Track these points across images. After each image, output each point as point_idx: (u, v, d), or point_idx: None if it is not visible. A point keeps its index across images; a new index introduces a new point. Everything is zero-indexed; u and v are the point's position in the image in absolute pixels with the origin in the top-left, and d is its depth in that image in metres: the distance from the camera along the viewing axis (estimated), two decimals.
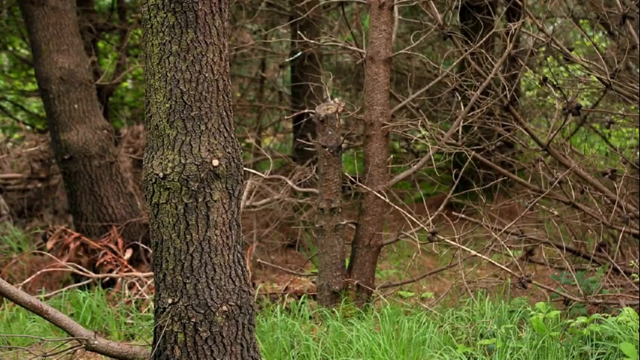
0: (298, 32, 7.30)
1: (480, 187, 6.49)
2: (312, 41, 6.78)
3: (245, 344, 3.84)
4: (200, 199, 3.66)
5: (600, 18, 7.46)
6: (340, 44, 6.70)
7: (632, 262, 5.68)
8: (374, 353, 4.59)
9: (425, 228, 5.67)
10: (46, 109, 7.31)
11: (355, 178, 5.97)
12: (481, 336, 4.94)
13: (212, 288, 3.73)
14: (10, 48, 12.10)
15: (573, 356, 4.52)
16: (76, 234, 6.88)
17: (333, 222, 5.72)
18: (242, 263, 3.85)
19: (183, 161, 3.62)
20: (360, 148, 6.96)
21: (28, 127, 12.01)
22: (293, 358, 4.77)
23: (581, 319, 4.68)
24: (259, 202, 7.59)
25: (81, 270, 6.44)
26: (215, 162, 3.65)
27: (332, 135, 5.65)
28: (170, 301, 3.74)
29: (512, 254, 5.81)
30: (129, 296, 6.16)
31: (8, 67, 12.83)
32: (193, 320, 3.73)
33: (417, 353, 4.66)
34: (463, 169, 6.18)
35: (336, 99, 5.94)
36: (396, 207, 5.82)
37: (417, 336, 4.81)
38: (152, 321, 4.27)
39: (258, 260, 7.28)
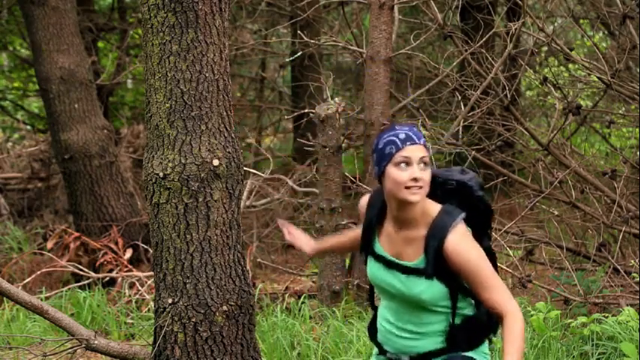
0: (298, 32, 7.30)
1: None
2: (312, 41, 6.79)
3: (245, 344, 3.84)
4: (200, 199, 3.66)
5: (600, 18, 7.46)
6: (340, 44, 6.71)
7: (632, 262, 5.68)
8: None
9: None
10: (47, 108, 7.30)
11: (355, 178, 5.97)
12: None
13: (212, 288, 3.73)
14: (11, 48, 12.10)
15: (573, 356, 4.52)
16: (76, 234, 6.88)
17: (333, 222, 5.72)
18: (242, 263, 3.85)
19: (183, 161, 3.62)
20: (360, 148, 6.96)
21: (28, 127, 12.01)
22: (293, 358, 4.77)
23: (582, 319, 4.68)
24: (259, 202, 7.59)
25: (81, 270, 6.43)
26: (215, 162, 3.65)
27: (332, 135, 5.65)
28: (170, 300, 3.74)
29: (512, 254, 5.81)
30: (129, 296, 6.16)
31: (8, 67, 12.83)
32: (193, 320, 3.73)
33: None
34: None
35: (336, 99, 5.94)
36: None
37: None
38: (152, 321, 4.27)
39: (259, 260, 7.28)
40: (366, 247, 2.80)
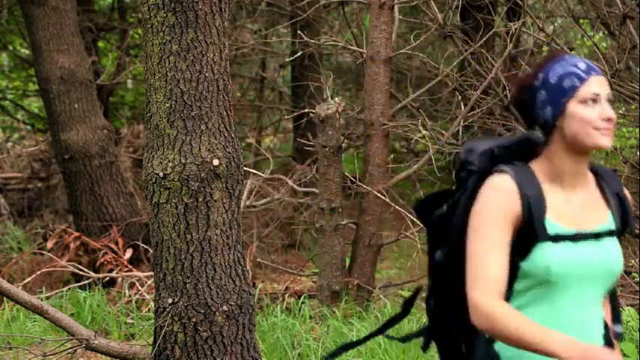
0: (298, 32, 7.31)
1: None
2: (312, 41, 6.79)
3: (245, 344, 3.84)
4: (200, 199, 3.66)
5: (601, 18, 7.46)
6: (340, 44, 6.71)
7: (632, 261, 5.68)
8: (374, 353, 4.59)
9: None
10: (47, 108, 7.30)
11: (355, 178, 5.97)
12: None
13: (212, 288, 3.73)
14: (11, 48, 12.10)
15: None
16: (76, 234, 6.88)
17: (334, 222, 5.72)
18: (242, 263, 3.85)
19: (183, 161, 3.63)
20: (360, 148, 6.96)
21: (28, 127, 12.02)
22: (293, 358, 4.77)
23: None
24: (259, 202, 7.59)
25: (81, 270, 6.43)
26: (215, 162, 3.66)
27: (332, 135, 5.65)
28: (170, 300, 3.74)
29: None
30: (129, 296, 6.16)
31: (8, 67, 12.83)
32: (193, 320, 3.73)
33: (417, 353, 4.66)
34: None
35: (336, 99, 5.94)
36: (396, 207, 5.82)
37: None
38: (152, 321, 4.27)
39: (259, 260, 7.28)
40: (533, 237, 2.08)
